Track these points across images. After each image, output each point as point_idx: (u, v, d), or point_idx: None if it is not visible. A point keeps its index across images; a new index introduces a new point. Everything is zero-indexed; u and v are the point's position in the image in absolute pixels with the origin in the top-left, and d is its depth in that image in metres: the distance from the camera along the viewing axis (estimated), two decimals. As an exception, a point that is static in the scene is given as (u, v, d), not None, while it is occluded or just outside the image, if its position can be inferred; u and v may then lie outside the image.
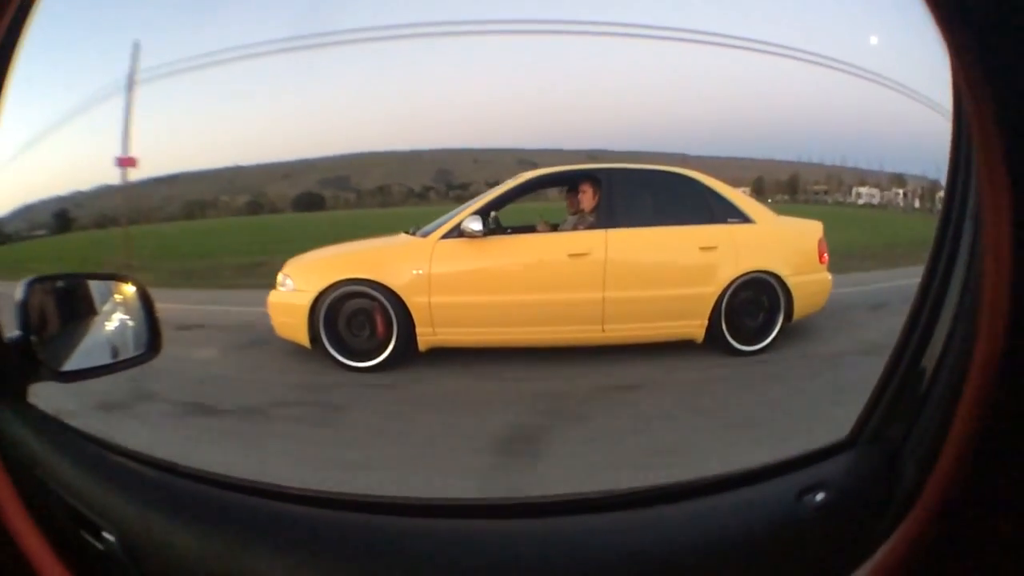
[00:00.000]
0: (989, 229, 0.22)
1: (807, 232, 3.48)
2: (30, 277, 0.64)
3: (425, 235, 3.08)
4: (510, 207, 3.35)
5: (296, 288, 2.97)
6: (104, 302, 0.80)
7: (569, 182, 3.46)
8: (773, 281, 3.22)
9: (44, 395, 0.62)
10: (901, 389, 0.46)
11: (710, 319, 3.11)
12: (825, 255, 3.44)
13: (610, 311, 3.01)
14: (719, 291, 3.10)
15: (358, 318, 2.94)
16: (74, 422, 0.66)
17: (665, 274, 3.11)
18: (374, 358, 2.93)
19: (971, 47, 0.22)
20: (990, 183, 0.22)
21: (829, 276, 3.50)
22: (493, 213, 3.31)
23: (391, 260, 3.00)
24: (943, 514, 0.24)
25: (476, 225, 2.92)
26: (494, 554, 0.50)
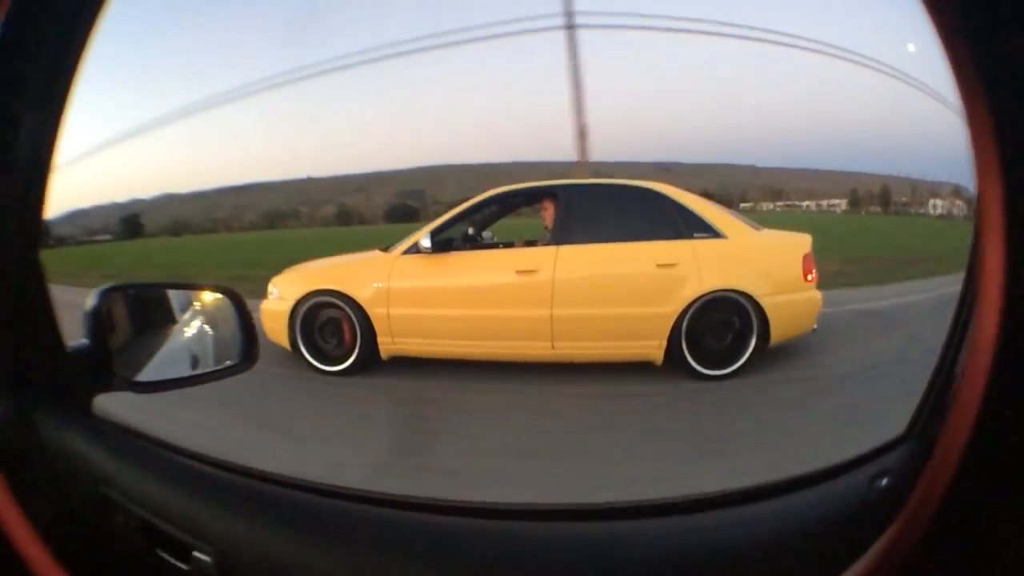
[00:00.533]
0: (985, 228, 0.23)
1: (790, 247, 3.19)
2: (105, 286, 0.63)
3: (389, 251, 3.33)
4: (515, 222, 3.43)
5: (280, 297, 3.38)
6: (183, 312, 0.79)
7: (532, 199, 3.51)
8: (744, 301, 3.01)
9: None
10: (943, 386, 0.48)
11: (669, 340, 2.99)
12: (812, 272, 3.14)
13: (559, 329, 3.02)
14: (679, 310, 2.98)
15: (329, 326, 3.26)
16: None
17: (617, 292, 3.04)
18: (342, 363, 3.23)
19: (963, 42, 0.23)
20: (983, 181, 0.23)
21: (818, 295, 3.19)
22: (470, 229, 3.47)
23: (359, 274, 3.29)
24: (935, 513, 0.24)
25: (426, 242, 3.11)
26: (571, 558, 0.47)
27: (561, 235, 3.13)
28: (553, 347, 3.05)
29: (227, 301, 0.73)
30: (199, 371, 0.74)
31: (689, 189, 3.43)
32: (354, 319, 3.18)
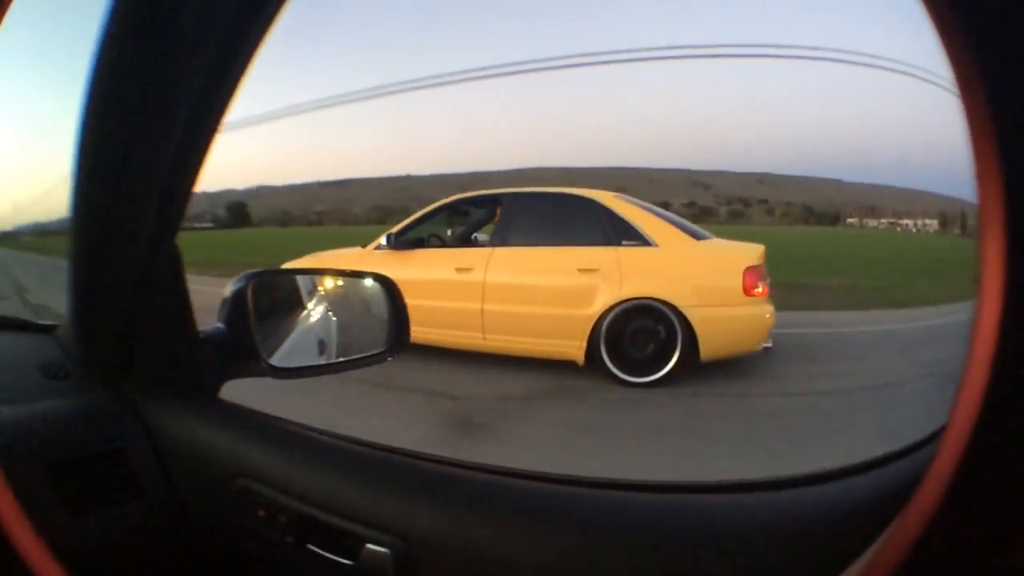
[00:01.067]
0: (984, 230, 0.23)
1: (730, 259, 3.04)
2: (248, 271, 0.61)
3: (366, 247, 3.93)
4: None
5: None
6: (309, 298, 0.76)
7: (481, 205, 3.82)
8: (668, 311, 2.97)
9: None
10: None
11: (589, 342, 3.09)
12: (759, 287, 2.96)
13: (489, 322, 3.31)
14: (597, 314, 3.06)
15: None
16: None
17: (539, 293, 3.21)
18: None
19: (958, 34, 0.23)
20: (982, 182, 0.23)
21: (766, 310, 2.98)
22: (449, 231, 3.93)
23: (340, 263, 3.95)
24: (935, 512, 0.24)
25: (383, 240, 3.63)
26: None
27: (498, 238, 3.41)
28: (484, 338, 3.34)
29: (377, 285, 0.71)
30: (343, 358, 0.70)
31: (787, 201, 3.41)
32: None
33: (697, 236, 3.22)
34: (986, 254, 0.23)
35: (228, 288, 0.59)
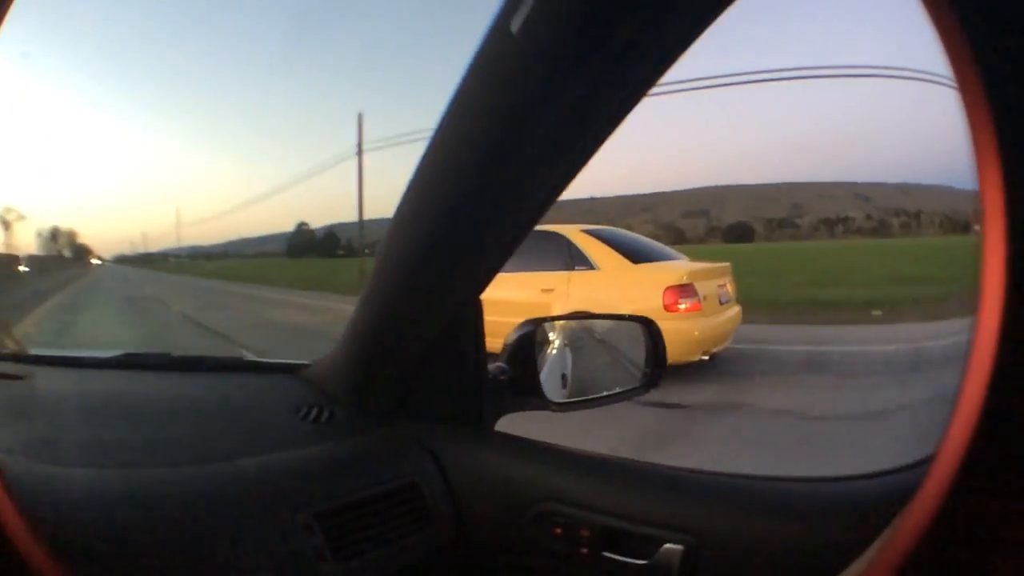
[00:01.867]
0: (985, 228, 0.23)
1: (653, 279, 3.64)
2: (531, 319, 0.69)
3: None
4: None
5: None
6: (601, 338, 0.82)
7: None
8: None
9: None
10: None
11: (550, 344, 4.02)
12: (679, 303, 3.53)
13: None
14: (554, 323, 3.97)
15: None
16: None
17: (512, 306, 4.22)
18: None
19: (960, 35, 0.23)
20: (984, 180, 0.23)
21: (693, 326, 3.52)
22: None
23: None
24: (936, 513, 0.24)
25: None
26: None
27: None
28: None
29: (638, 327, 0.77)
30: (606, 392, 0.75)
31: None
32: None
33: (637, 260, 3.87)
34: (988, 255, 0.23)
35: (513, 334, 0.67)
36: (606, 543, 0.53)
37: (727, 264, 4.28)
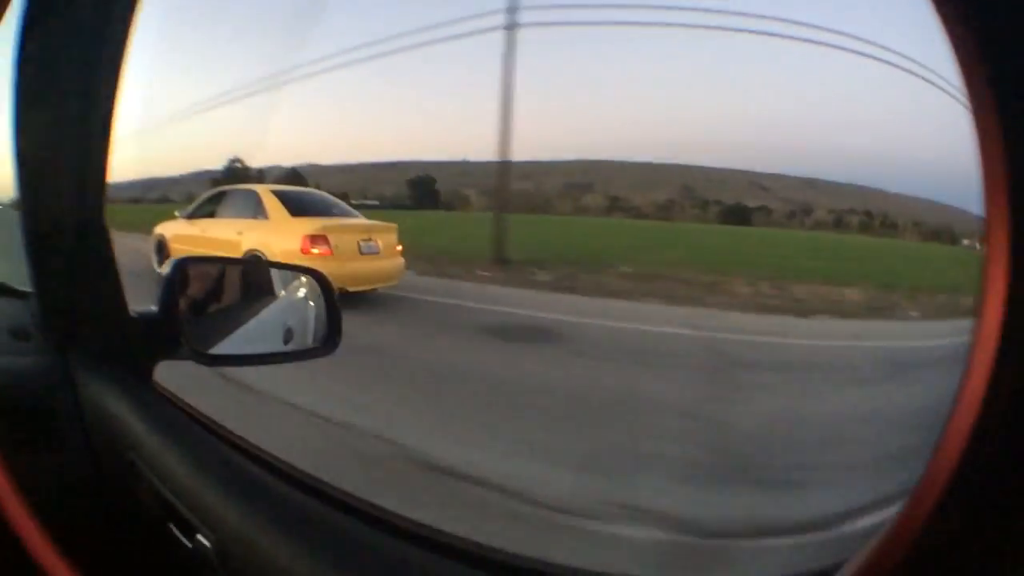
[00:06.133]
0: (988, 229, 0.23)
1: (299, 230, 5.03)
2: (182, 256, 0.64)
3: (179, 216, 6.49)
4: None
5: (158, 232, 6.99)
6: (269, 290, 0.77)
7: (219, 196, 6.15)
8: (262, 257, 5.09)
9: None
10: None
11: (238, 274, 5.35)
12: (312, 248, 4.93)
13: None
14: (240, 255, 5.27)
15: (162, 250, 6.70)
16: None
17: (222, 243, 5.51)
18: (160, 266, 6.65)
19: (970, 40, 0.23)
20: (989, 182, 0.23)
21: (316, 266, 4.94)
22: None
23: (170, 223, 6.53)
24: (933, 511, 0.24)
25: (181, 214, 6.19)
26: None
27: (218, 213, 5.79)
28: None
29: (312, 281, 0.72)
30: (270, 350, 0.72)
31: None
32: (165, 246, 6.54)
33: (297, 214, 5.23)
34: (991, 259, 0.23)
35: (162, 272, 0.62)
36: (168, 514, 0.53)
37: (391, 224, 5.75)
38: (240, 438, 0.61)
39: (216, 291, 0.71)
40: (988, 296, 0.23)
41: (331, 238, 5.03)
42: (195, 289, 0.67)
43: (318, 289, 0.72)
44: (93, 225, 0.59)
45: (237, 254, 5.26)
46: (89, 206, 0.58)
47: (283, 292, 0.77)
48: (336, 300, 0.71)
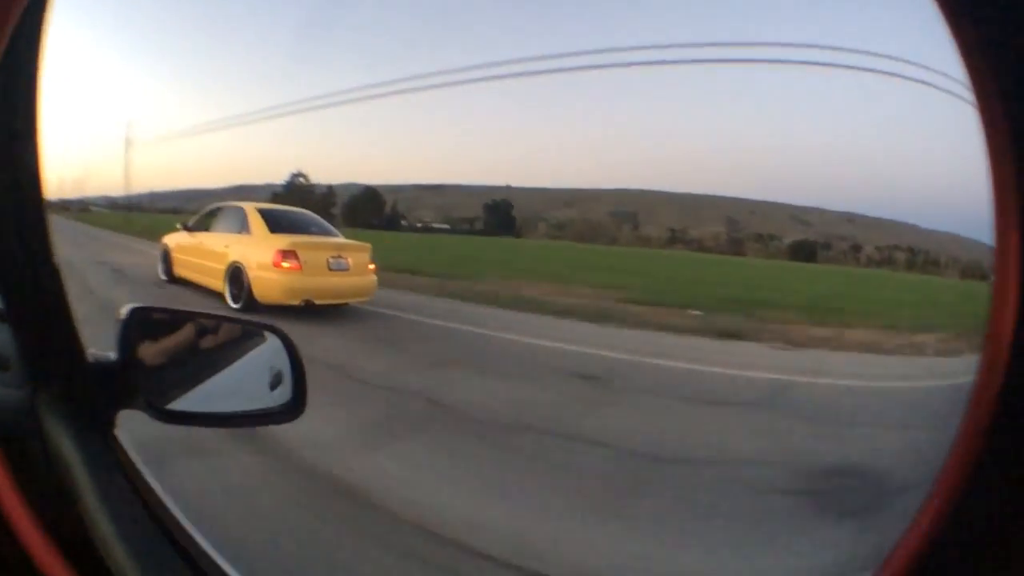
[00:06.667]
0: (997, 230, 0.23)
1: (273, 244, 5.63)
2: (135, 304, 0.61)
3: (180, 229, 7.22)
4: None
5: (165, 244, 7.75)
6: (232, 347, 0.72)
7: (214, 212, 6.85)
8: (243, 269, 5.70)
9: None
10: None
11: (224, 282, 5.94)
12: (283, 263, 5.51)
13: (201, 267, 6.40)
14: (225, 268, 5.91)
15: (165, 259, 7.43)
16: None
17: (214, 254, 6.18)
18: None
19: (978, 42, 0.23)
20: (997, 183, 0.23)
21: (284, 279, 5.49)
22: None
23: (173, 236, 7.30)
24: (949, 511, 0.24)
25: (182, 227, 6.94)
26: None
27: (212, 228, 6.48)
28: (200, 276, 6.42)
29: (276, 340, 0.68)
30: (234, 410, 0.67)
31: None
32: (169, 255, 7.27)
33: (275, 231, 5.85)
34: (1002, 261, 0.23)
35: (118, 315, 0.58)
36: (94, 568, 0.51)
37: (364, 244, 6.32)
38: (168, 513, 0.59)
39: (176, 343, 0.67)
40: (998, 303, 0.23)
41: (301, 253, 5.62)
42: (154, 338, 0.63)
43: (282, 348, 0.68)
44: (41, 261, 0.55)
45: (223, 265, 5.91)
46: (32, 239, 0.54)
47: (248, 350, 0.72)
48: (302, 361, 0.68)
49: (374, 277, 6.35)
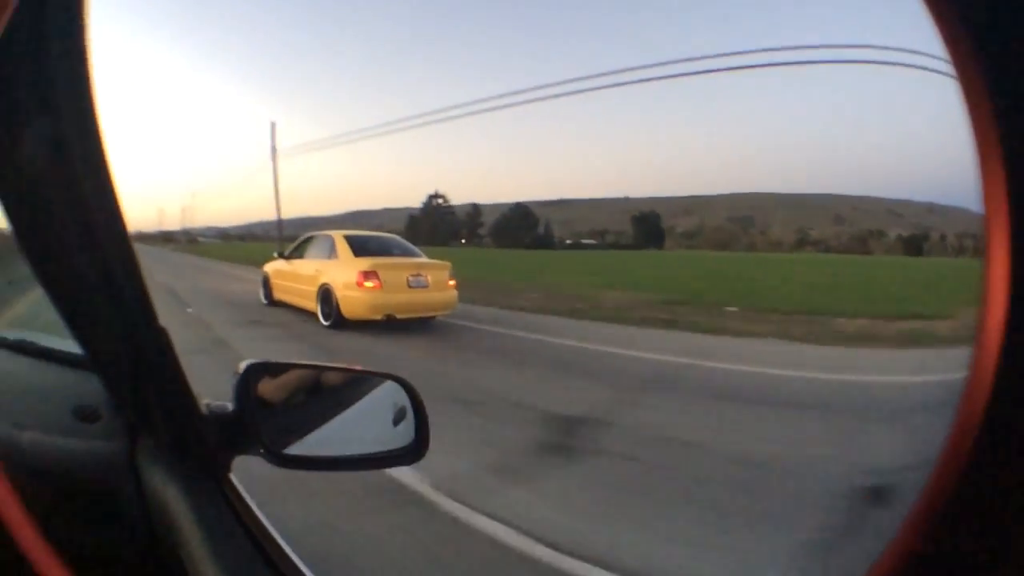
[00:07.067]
0: (988, 229, 0.23)
1: (355, 267, 6.05)
2: (253, 360, 0.62)
3: (277, 257, 7.96)
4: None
5: (265, 271, 8.58)
6: (349, 393, 0.74)
7: (307, 240, 7.44)
8: (332, 290, 6.19)
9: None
10: None
11: (316, 300, 6.49)
12: (365, 282, 5.93)
13: (298, 291, 7.02)
14: (316, 287, 6.45)
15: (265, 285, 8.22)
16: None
17: (306, 278, 6.73)
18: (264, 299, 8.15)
19: (968, 42, 0.23)
20: (987, 182, 0.23)
21: (364, 295, 5.90)
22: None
23: (270, 263, 8.07)
24: (941, 513, 0.24)
25: (278, 255, 7.68)
26: None
27: (306, 255, 7.11)
28: (298, 300, 7.05)
29: (399, 388, 0.70)
30: (352, 454, 0.69)
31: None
32: (269, 281, 8.06)
33: (359, 255, 6.26)
34: (991, 258, 0.23)
35: (236, 371, 0.60)
36: None
37: (444, 263, 6.60)
38: (286, 559, 0.58)
39: (292, 391, 0.69)
40: (990, 294, 0.23)
41: (381, 273, 5.98)
42: (269, 389, 0.65)
43: (404, 394, 0.70)
44: (144, 320, 0.51)
45: (315, 287, 6.44)
46: (129, 296, 0.50)
47: (365, 395, 0.73)
48: (423, 406, 0.69)
49: (454, 292, 6.62)
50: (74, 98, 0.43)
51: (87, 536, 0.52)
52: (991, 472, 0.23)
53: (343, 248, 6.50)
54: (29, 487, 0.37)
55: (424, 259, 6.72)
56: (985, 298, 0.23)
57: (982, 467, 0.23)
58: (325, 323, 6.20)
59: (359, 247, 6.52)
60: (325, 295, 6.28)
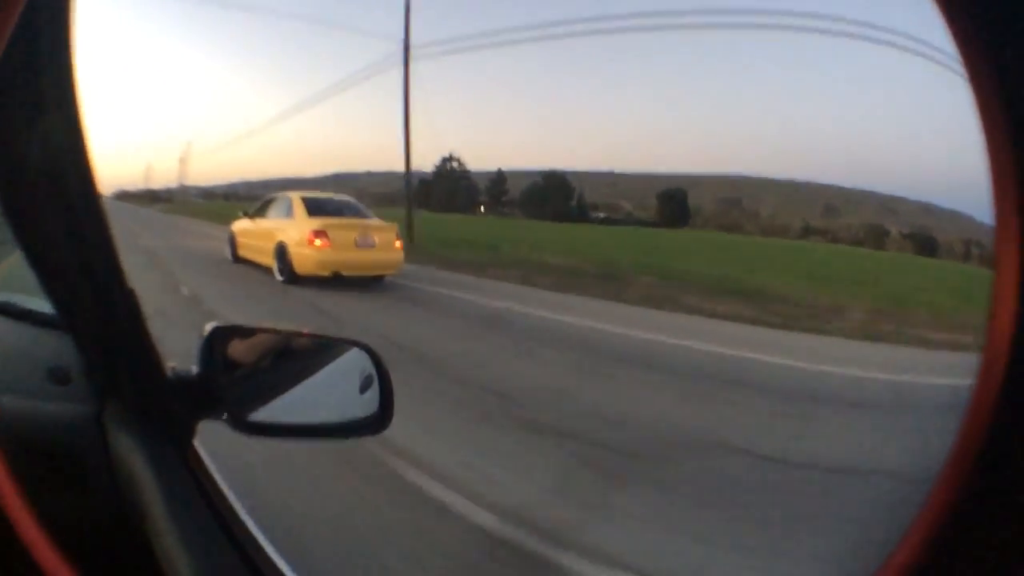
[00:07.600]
0: (998, 228, 0.23)
1: (309, 225, 6.61)
2: (218, 323, 0.62)
3: (243, 216, 8.42)
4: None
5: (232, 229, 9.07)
6: (315, 360, 0.73)
7: (269, 201, 7.95)
8: (286, 247, 6.75)
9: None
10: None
11: (273, 257, 7.03)
12: (315, 241, 6.48)
13: (258, 247, 7.55)
14: (274, 245, 6.99)
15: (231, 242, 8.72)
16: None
17: (266, 235, 7.26)
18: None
19: (978, 37, 0.22)
20: (997, 179, 0.22)
21: (311, 252, 6.46)
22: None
23: (238, 223, 8.53)
24: (950, 513, 0.24)
25: (241, 213, 8.16)
26: None
27: (267, 215, 7.61)
28: (257, 255, 7.58)
29: (364, 355, 0.69)
30: (317, 422, 0.68)
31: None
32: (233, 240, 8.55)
33: (312, 214, 6.81)
34: (1001, 257, 0.22)
35: (202, 335, 0.60)
36: None
37: (391, 224, 7.20)
38: (244, 529, 0.59)
39: (258, 357, 0.68)
40: (998, 295, 0.23)
41: (330, 232, 6.55)
42: (234, 353, 0.64)
43: (369, 362, 0.69)
44: (104, 267, 0.51)
45: (273, 244, 6.98)
46: (87, 240, 0.50)
47: (330, 362, 0.72)
48: (388, 375, 0.68)
49: (400, 253, 7.20)
50: (52, 59, 0.43)
51: (61, 499, 0.53)
52: (996, 481, 0.23)
53: (299, 208, 7.04)
54: (6, 448, 0.39)
55: (373, 220, 7.29)
56: (994, 304, 0.23)
57: (988, 474, 0.23)
58: (280, 278, 6.77)
59: (314, 208, 7.06)
60: (281, 252, 6.84)
